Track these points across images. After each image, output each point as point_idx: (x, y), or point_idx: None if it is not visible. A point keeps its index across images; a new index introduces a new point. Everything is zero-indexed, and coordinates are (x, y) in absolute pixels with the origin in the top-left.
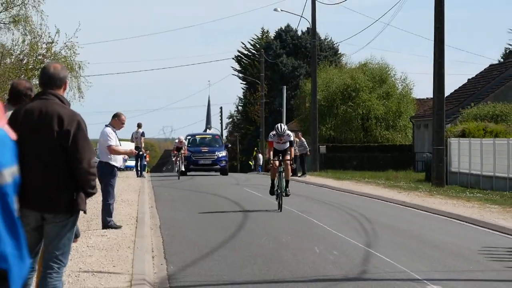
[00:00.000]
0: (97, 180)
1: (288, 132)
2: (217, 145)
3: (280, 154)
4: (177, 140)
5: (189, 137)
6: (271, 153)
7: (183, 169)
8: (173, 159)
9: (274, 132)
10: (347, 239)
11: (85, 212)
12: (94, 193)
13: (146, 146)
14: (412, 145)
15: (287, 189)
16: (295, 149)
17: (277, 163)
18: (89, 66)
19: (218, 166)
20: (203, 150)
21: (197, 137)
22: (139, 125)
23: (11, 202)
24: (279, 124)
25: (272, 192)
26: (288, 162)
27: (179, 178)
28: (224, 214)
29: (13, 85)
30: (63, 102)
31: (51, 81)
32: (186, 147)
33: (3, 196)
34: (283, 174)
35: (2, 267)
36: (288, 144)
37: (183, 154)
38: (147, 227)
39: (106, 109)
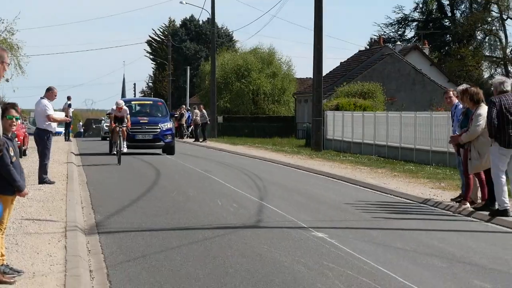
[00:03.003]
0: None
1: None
2: (160, 115)
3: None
4: (114, 107)
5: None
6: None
7: (125, 149)
8: (106, 133)
9: (114, 107)
10: (244, 194)
11: None
12: None
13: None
14: (294, 117)
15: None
16: (196, 119)
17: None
18: (26, 46)
19: (161, 143)
20: (141, 121)
21: (134, 103)
22: (68, 98)
23: None
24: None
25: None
26: (125, 128)
27: (119, 163)
28: (140, 173)
29: None
30: None
31: None
32: (128, 116)
33: None
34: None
35: None
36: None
37: (125, 128)
38: (76, 183)
39: (41, 84)
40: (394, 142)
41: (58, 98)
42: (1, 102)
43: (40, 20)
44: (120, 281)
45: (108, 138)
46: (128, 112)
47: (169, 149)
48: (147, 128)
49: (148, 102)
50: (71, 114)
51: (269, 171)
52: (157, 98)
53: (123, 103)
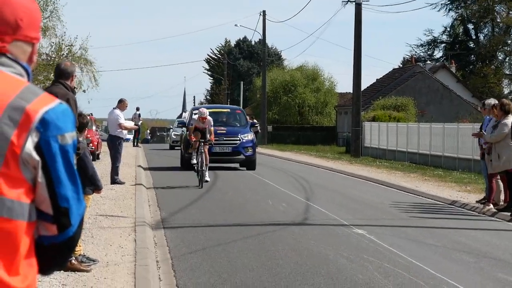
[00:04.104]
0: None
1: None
2: (238, 124)
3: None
4: (195, 116)
5: (195, 111)
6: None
7: (207, 177)
8: (174, 142)
9: (195, 116)
10: (291, 195)
11: None
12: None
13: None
14: (335, 127)
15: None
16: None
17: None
18: (99, 62)
19: (241, 156)
20: (219, 132)
21: (210, 111)
22: (137, 109)
23: (71, 158)
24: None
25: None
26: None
27: (200, 185)
28: None
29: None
30: (67, 88)
31: (61, 74)
32: (212, 128)
33: (66, 153)
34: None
35: (65, 205)
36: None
37: (207, 144)
38: (144, 183)
39: (113, 96)
40: (424, 150)
41: (128, 108)
42: (80, 114)
43: (114, 39)
44: (183, 271)
45: (176, 148)
46: (212, 123)
47: (249, 164)
48: (225, 140)
49: (225, 110)
50: (140, 123)
51: (313, 175)
52: (235, 106)
53: (208, 113)
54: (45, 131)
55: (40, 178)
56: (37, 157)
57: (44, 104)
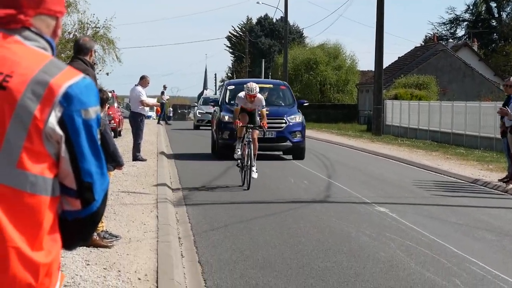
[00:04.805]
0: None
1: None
2: (284, 103)
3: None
4: (241, 94)
5: (231, 86)
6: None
7: (255, 173)
8: (199, 121)
9: (241, 94)
10: (313, 172)
11: None
12: None
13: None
14: (356, 105)
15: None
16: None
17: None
18: (123, 40)
19: (288, 143)
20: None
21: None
22: (164, 87)
23: (95, 132)
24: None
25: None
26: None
27: (248, 187)
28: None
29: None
30: (86, 63)
31: (80, 49)
32: (264, 110)
33: (89, 128)
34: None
35: (89, 180)
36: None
37: (256, 130)
38: (165, 160)
39: (135, 73)
40: (446, 128)
41: (151, 86)
42: (100, 89)
43: (139, 17)
44: (205, 247)
45: (201, 127)
46: (263, 103)
47: (297, 152)
48: (268, 124)
49: (267, 86)
50: (165, 101)
51: (335, 152)
52: (279, 81)
53: (258, 89)
54: (68, 105)
55: (64, 153)
56: (60, 132)
57: (68, 79)
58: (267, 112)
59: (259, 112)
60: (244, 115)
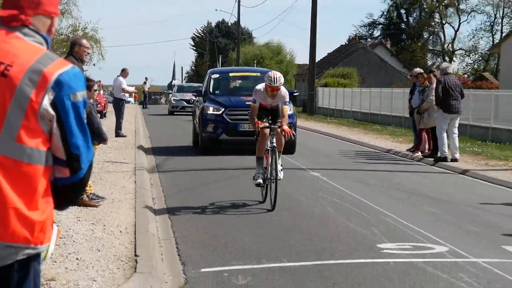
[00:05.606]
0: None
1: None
2: None
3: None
4: (260, 87)
5: (215, 75)
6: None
7: (281, 174)
8: (174, 107)
9: (260, 87)
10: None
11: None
12: None
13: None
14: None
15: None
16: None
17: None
18: (108, 40)
19: None
20: (247, 103)
21: (232, 75)
22: (146, 78)
23: (82, 113)
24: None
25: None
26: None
27: (273, 207)
28: (188, 125)
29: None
30: (76, 59)
31: (72, 45)
32: (285, 106)
33: (77, 109)
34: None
35: (76, 152)
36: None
37: (283, 134)
38: (142, 137)
39: (115, 67)
40: (365, 109)
41: (130, 76)
42: (89, 79)
43: (122, 21)
44: (174, 206)
45: (176, 113)
46: (287, 98)
47: (288, 145)
48: None
49: (254, 74)
50: (147, 89)
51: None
52: (266, 69)
53: (282, 79)
54: (59, 90)
55: (55, 130)
56: (52, 112)
57: (59, 68)
58: (290, 112)
59: (282, 109)
60: (264, 115)
